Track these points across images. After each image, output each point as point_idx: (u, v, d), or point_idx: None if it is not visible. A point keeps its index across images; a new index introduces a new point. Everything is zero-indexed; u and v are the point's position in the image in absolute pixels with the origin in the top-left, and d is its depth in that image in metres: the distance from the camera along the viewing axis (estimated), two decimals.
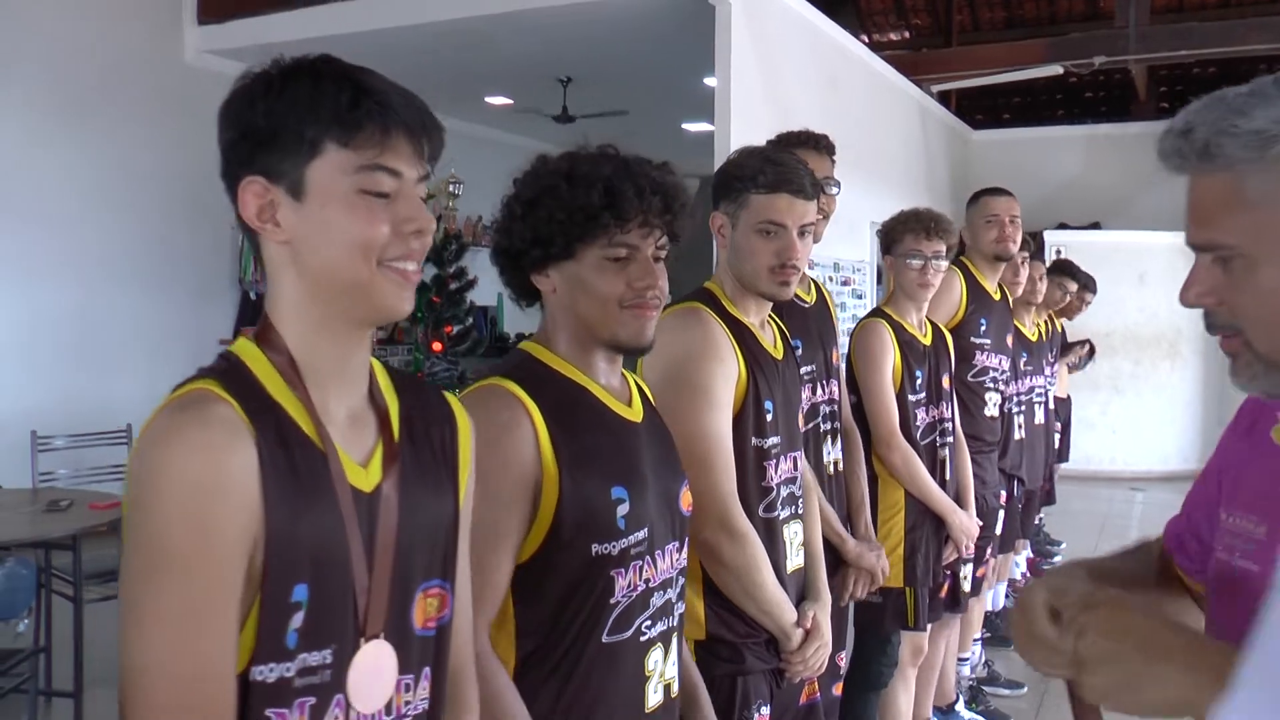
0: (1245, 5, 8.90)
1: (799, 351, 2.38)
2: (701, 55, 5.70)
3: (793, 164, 1.95)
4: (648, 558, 1.41)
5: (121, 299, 6.45)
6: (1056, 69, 8.03)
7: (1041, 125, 11.05)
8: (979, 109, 11.53)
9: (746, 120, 5.48)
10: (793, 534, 1.98)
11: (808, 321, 2.45)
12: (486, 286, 8.61)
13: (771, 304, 2.03)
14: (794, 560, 1.98)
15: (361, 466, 1.02)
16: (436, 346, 7.55)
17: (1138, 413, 9.27)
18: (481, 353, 8.00)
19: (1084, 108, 11.86)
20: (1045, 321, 5.01)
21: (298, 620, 0.94)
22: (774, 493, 1.93)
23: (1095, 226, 9.54)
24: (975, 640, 4.09)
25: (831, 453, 2.46)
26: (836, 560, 2.46)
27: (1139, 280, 8.99)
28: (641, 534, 1.40)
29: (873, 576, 2.48)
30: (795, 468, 2.00)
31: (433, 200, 8.44)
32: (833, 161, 2.55)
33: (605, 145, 1.44)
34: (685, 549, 1.52)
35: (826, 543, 2.41)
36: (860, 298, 7.28)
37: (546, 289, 1.44)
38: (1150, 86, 10.40)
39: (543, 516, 1.33)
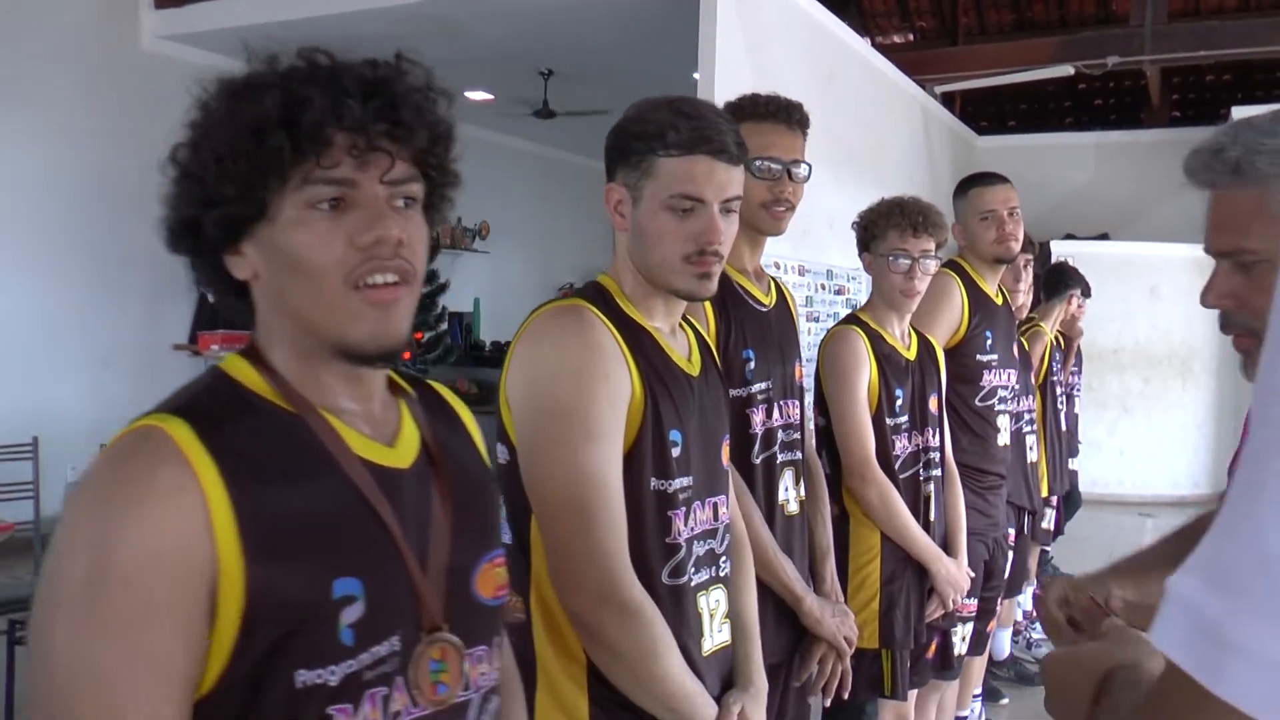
0: (1265, 6, 8.46)
1: (752, 365, 1.95)
2: (690, 46, 5.31)
3: (711, 117, 1.47)
4: (399, 680, 0.94)
5: (65, 302, 6.02)
6: (1067, 69, 7.61)
7: (1049, 132, 10.62)
8: (984, 115, 11.11)
9: None
10: (712, 604, 1.53)
11: (765, 329, 2.01)
12: (461, 291, 8.23)
13: (685, 304, 1.59)
14: (715, 638, 1.53)
15: None
16: (405, 354, 7.11)
17: (1147, 434, 8.82)
18: (454, 361, 7.58)
19: (1093, 115, 11.41)
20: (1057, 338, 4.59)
21: None
22: (682, 551, 1.47)
23: (1104, 237, 9.12)
24: (976, 696, 3.60)
25: (790, 490, 2.02)
26: (798, 625, 2.02)
27: (1150, 294, 8.57)
28: (384, 648, 0.93)
29: (838, 651, 2.01)
30: (716, 517, 1.56)
31: None
32: (805, 137, 2.10)
33: (308, 49, 0.96)
34: (496, 656, 1.06)
35: (781, 602, 1.98)
36: (855, 308, 6.85)
37: (244, 275, 0.96)
38: (1163, 93, 9.97)
39: (222, 629, 0.86)
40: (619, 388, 1.41)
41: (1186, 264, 8.22)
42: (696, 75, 5.45)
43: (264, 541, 0.87)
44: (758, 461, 1.95)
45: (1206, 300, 1.13)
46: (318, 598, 0.89)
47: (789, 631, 1.99)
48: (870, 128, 6.87)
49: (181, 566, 0.85)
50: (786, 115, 2.01)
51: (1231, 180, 1.06)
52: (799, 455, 2.05)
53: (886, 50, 8.51)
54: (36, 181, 5.79)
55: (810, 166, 2.02)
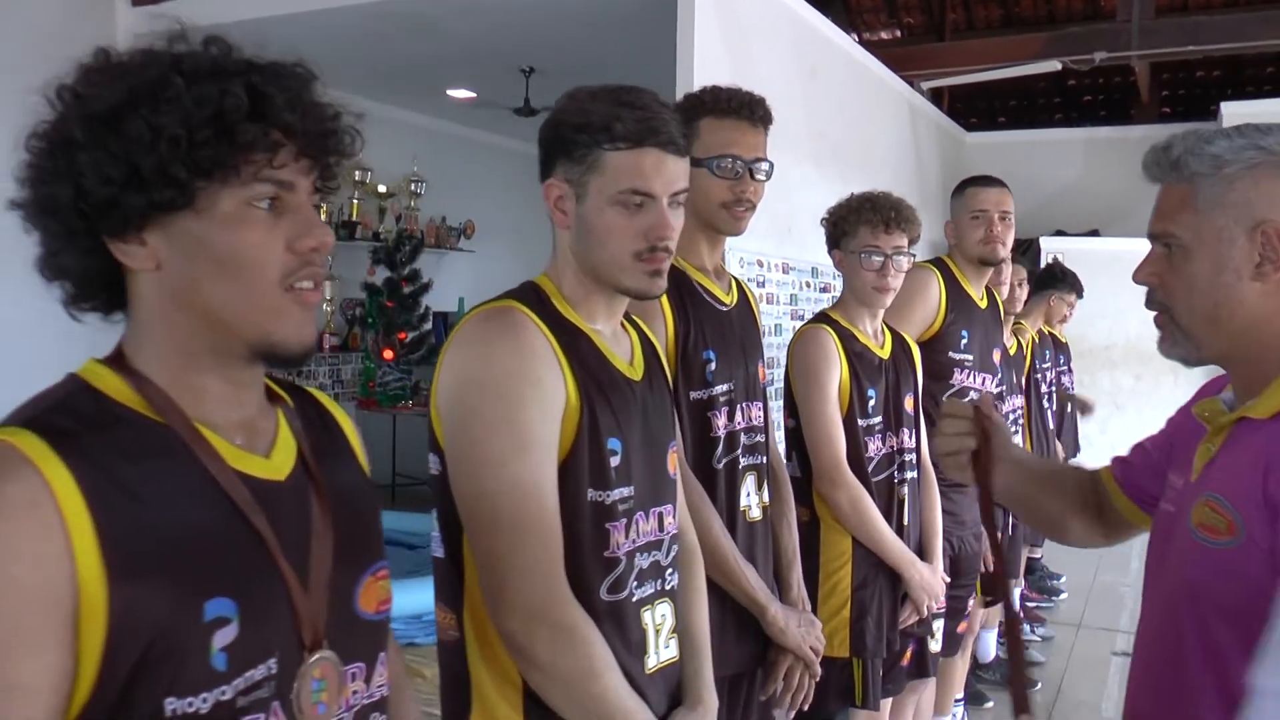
0: (1254, 1, 8.40)
1: (713, 366, 1.88)
2: (671, 42, 5.24)
3: (655, 107, 1.41)
4: (275, 705, 0.89)
5: (46, 303, 5.92)
6: (1055, 65, 7.52)
7: (1038, 128, 10.57)
8: (973, 111, 11.05)
9: None
10: (658, 619, 1.46)
11: (726, 329, 1.94)
12: (445, 290, 8.14)
13: (627, 305, 1.52)
14: (661, 654, 1.46)
15: None
16: (388, 354, 7.06)
17: (1139, 431, 8.68)
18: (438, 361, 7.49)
19: (1083, 111, 11.35)
20: (1038, 334, 4.52)
21: None
22: (621, 565, 1.40)
23: (1094, 234, 9.07)
24: (958, 701, 3.54)
25: (754, 495, 1.95)
26: (763, 635, 1.94)
27: (1141, 291, 8.50)
28: (259, 671, 0.88)
29: (805, 662, 1.94)
30: (662, 528, 1.49)
31: (393, 199, 8.04)
32: (767, 134, 2.02)
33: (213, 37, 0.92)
34: (378, 673, 1.01)
35: (744, 612, 1.91)
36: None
37: (141, 266, 0.90)
38: (1153, 89, 9.91)
39: (85, 655, 0.80)
40: (552, 394, 1.34)
41: None
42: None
43: (129, 561, 0.81)
44: (719, 466, 1.88)
45: (1136, 276, 1.29)
46: (187, 621, 0.83)
47: (752, 642, 1.93)
48: (855, 124, 6.80)
49: (43, 589, 0.78)
50: (750, 111, 1.93)
51: (1170, 175, 1.23)
52: (762, 459, 1.98)
53: (873, 46, 8.44)
54: (10, 184, 5.70)
55: (772, 164, 1.95)
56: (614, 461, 1.39)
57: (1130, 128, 9.64)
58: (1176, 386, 8.88)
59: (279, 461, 0.97)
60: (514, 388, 1.32)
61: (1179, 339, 1.25)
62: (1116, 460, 1.52)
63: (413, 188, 8.32)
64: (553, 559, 1.31)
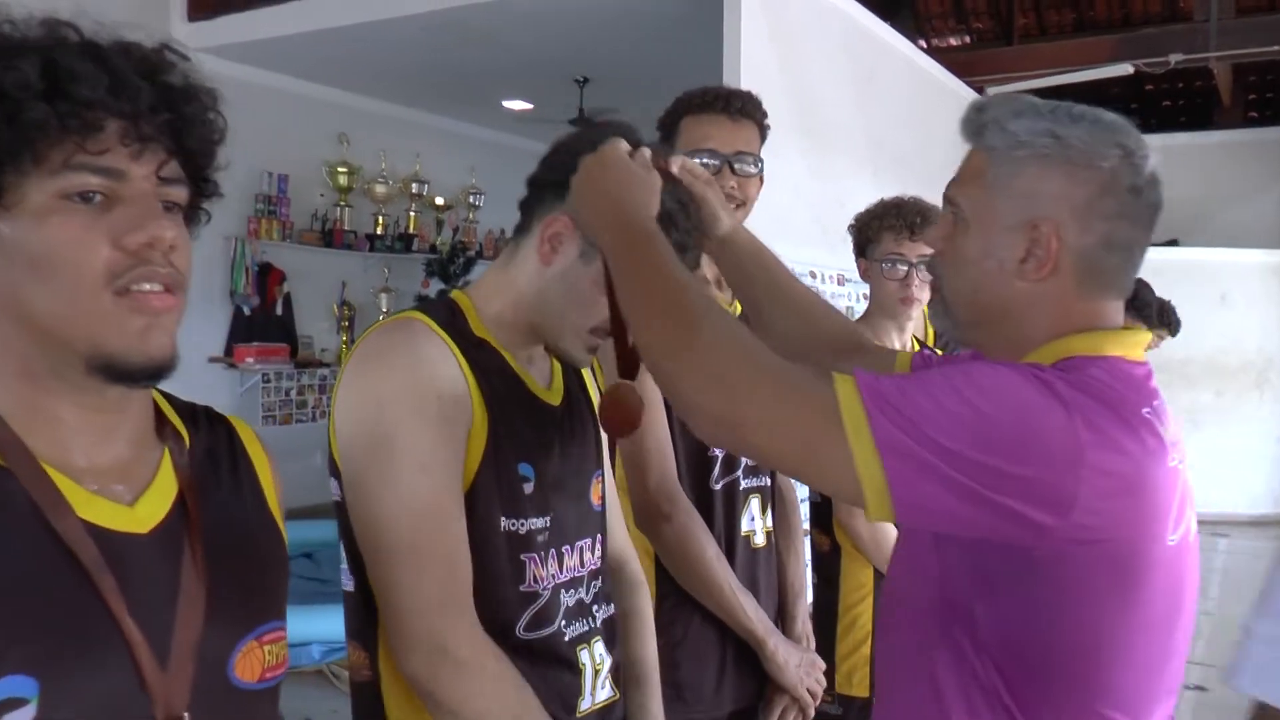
0: None
1: None
2: (718, 49, 5.14)
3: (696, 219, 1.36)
4: None
5: None
6: (1126, 68, 7.24)
7: None
8: None
9: None
10: (596, 658, 1.34)
11: None
12: None
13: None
14: (597, 695, 1.34)
15: None
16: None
17: (1220, 449, 8.35)
18: None
19: (1162, 117, 10.96)
20: None
21: None
22: (544, 599, 1.28)
23: (1173, 243, 8.70)
24: None
25: (757, 520, 1.82)
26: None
27: (1220, 301, 8.14)
28: None
29: (800, 705, 1.80)
30: (582, 565, 1.36)
31: (450, 211, 8.02)
32: (763, 130, 1.84)
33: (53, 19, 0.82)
34: None
35: (744, 644, 1.78)
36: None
37: None
38: (1237, 92, 9.52)
39: None
40: (455, 412, 1.22)
41: (1261, 269, 7.84)
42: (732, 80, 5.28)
43: None
44: (717, 488, 1.76)
45: (926, 238, 1.28)
46: None
47: (753, 677, 1.79)
48: (915, 129, 6.61)
49: None
50: (725, 104, 1.78)
51: (974, 140, 1.16)
52: (767, 481, 1.85)
53: (944, 53, 8.22)
54: None
55: (761, 161, 1.80)
56: (527, 489, 1.27)
57: (1209, 133, 9.27)
58: (1263, 403, 8.49)
59: (146, 511, 0.85)
60: (412, 404, 1.20)
61: (940, 311, 1.21)
62: (918, 358, 1.43)
63: (470, 200, 8.31)
64: (454, 588, 1.19)
